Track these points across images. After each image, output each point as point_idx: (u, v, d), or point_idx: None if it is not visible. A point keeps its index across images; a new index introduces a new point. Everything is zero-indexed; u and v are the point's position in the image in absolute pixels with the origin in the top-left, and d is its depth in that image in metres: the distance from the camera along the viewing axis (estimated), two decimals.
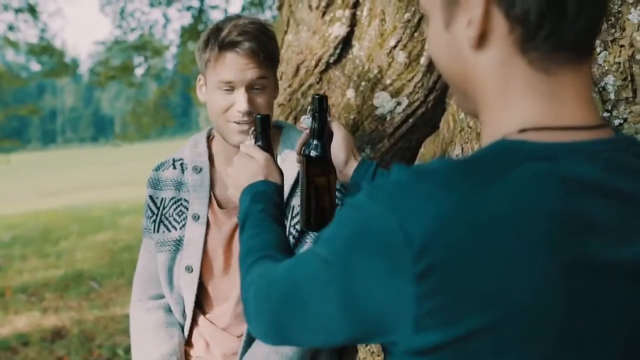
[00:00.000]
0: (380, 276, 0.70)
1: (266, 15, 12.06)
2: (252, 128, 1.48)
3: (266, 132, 1.46)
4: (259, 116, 1.46)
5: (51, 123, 78.31)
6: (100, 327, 5.27)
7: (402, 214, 0.68)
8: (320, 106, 1.46)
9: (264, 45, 1.64)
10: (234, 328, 1.78)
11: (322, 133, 1.47)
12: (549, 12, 0.71)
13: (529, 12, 0.71)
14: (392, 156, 2.12)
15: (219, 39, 1.62)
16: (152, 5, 11.86)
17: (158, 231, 1.78)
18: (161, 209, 1.80)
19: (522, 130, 0.74)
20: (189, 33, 11.59)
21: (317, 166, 1.48)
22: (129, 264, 7.45)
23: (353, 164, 1.46)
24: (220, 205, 1.78)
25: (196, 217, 1.76)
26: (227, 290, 1.77)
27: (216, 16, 12.39)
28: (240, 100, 1.63)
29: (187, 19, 11.93)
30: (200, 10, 11.61)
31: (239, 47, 1.61)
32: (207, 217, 1.76)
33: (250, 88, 1.64)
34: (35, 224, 11.84)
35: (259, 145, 1.44)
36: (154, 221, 1.79)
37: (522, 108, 0.75)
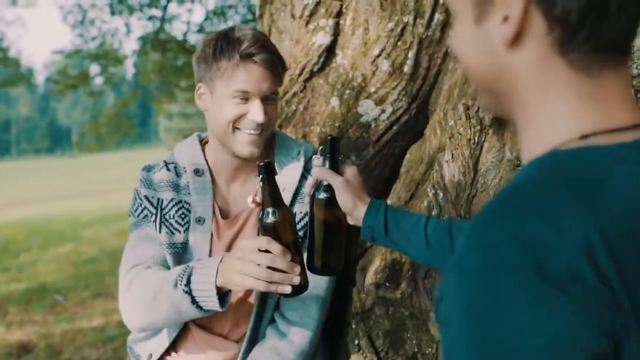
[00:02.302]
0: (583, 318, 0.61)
1: (228, 25, 12.06)
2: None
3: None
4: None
5: (5, 133, 76.55)
6: (68, 340, 5.18)
7: (561, 246, 0.62)
8: (333, 147, 1.47)
9: (280, 58, 1.70)
10: (232, 333, 1.78)
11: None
12: (590, 13, 0.69)
13: (570, 12, 0.69)
14: (376, 163, 2.15)
15: (239, 49, 1.63)
16: (112, 13, 11.74)
17: (160, 232, 1.74)
18: (159, 209, 1.76)
19: (584, 136, 0.72)
20: (150, 42, 11.49)
21: (329, 208, 1.48)
22: (94, 277, 7.33)
23: (362, 207, 1.47)
24: (221, 214, 1.78)
25: (201, 221, 1.74)
26: None
27: (178, 26, 12.33)
28: (255, 111, 1.65)
29: (148, 28, 11.81)
30: (162, 20, 11.53)
31: (258, 58, 1.64)
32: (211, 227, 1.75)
33: (264, 99, 1.67)
34: None
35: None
36: (154, 221, 1.75)
37: (569, 111, 0.73)
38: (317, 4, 2.21)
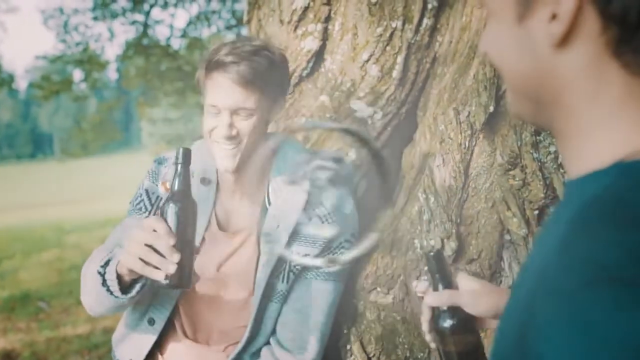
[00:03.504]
0: None
1: (212, 30, 12.05)
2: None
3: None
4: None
5: None
6: (53, 348, 5.13)
7: None
8: (440, 263, 1.20)
9: (255, 69, 1.56)
10: (217, 341, 1.76)
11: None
12: None
13: (629, 10, 0.62)
14: (371, 166, 2.15)
15: (207, 58, 1.59)
16: (95, 18, 11.68)
17: None
18: (155, 207, 1.72)
19: None
20: (134, 47, 11.45)
21: (461, 334, 1.19)
22: (78, 283, 7.24)
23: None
24: (219, 225, 1.74)
25: None
26: (212, 307, 1.75)
27: (161, 31, 12.31)
28: (220, 125, 1.58)
29: (131, 34, 11.77)
30: (145, 25, 11.49)
31: (225, 69, 1.56)
32: (203, 235, 1.72)
33: (234, 112, 1.58)
34: None
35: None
36: (147, 218, 1.70)
37: (630, 118, 0.66)
38: (306, 9, 2.21)
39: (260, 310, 1.70)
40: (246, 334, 1.70)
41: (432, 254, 1.19)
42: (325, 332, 1.75)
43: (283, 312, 1.72)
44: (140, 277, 1.51)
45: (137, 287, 1.55)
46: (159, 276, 1.38)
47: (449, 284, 1.19)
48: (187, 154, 1.42)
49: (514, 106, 0.79)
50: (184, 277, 1.39)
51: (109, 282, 1.54)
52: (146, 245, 1.39)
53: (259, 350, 1.74)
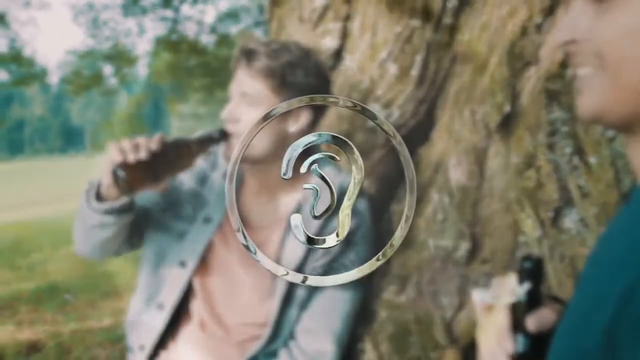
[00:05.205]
0: None
1: (240, 27, 12.11)
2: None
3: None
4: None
5: (19, 133, 77.04)
6: (77, 339, 5.20)
7: None
8: (538, 273, 0.96)
9: (268, 63, 1.58)
10: (230, 336, 1.77)
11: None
12: None
13: None
14: (383, 166, 2.14)
15: (239, 46, 1.63)
16: (125, 14, 11.82)
17: (165, 211, 1.74)
18: (174, 193, 1.74)
19: None
20: (163, 43, 11.56)
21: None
22: (104, 277, 7.35)
23: None
24: (243, 221, 1.73)
25: (208, 220, 1.73)
26: (228, 300, 1.77)
27: (190, 27, 12.39)
28: (227, 107, 1.62)
29: (161, 29, 11.87)
30: (175, 21, 11.59)
31: (242, 57, 1.61)
32: (222, 222, 1.73)
33: (242, 97, 1.61)
34: (4, 236, 11.59)
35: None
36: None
37: None
38: (326, 8, 2.21)
39: (280, 315, 1.71)
40: (265, 338, 1.70)
41: (528, 265, 0.96)
42: (343, 339, 1.75)
43: (302, 319, 1.72)
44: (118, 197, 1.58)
45: (111, 203, 1.59)
46: (117, 157, 1.47)
47: (538, 300, 0.95)
48: (223, 132, 1.55)
49: (609, 104, 0.72)
50: (129, 180, 1.47)
51: (91, 191, 1.62)
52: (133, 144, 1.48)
53: (274, 351, 1.74)
